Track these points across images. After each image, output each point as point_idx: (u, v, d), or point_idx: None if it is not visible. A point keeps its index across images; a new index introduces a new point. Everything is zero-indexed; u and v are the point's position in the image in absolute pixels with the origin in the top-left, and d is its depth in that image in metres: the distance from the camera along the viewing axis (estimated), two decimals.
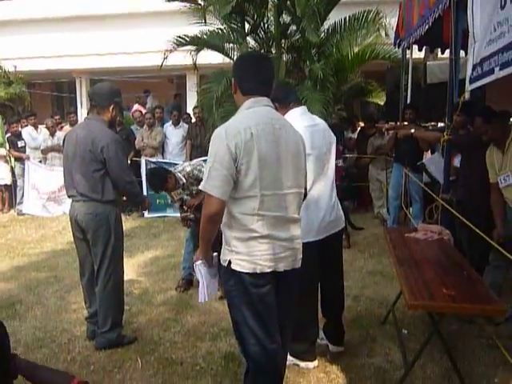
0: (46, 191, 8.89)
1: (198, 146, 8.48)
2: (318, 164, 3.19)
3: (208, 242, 2.46)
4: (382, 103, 9.08)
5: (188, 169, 4.74)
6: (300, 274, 2.56)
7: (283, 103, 3.19)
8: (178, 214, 7.95)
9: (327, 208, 3.27)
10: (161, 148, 8.71)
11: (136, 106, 12.37)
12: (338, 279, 3.63)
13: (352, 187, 8.35)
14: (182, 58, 9.02)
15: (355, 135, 8.77)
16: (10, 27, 14.24)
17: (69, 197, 3.79)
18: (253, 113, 2.39)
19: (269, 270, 2.37)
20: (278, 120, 2.43)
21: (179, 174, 4.69)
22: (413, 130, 5.25)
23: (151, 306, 4.58)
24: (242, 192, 2.31)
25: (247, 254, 2.34)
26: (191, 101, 14.11)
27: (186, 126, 8.78)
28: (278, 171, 2.35)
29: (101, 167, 3.57)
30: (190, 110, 11.41)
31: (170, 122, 8.93)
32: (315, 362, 3.45)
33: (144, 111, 10.20)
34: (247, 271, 2.35)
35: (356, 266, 5.71)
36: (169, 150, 8.73)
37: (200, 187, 2.34)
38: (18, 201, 9.18)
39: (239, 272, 2.36)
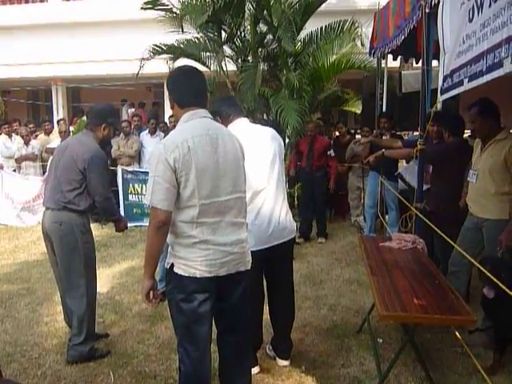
0: (21, 201, 8.72)
1: None
2: (261, 172, 3.24)
3: (155, 258, 2.48)
4: (358, 112, 9.15)
5: None
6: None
7: (224, 117, 3.29)
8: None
9: (272, 217, 3.28)
10: (137, 157, 8.64)
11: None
12: (286, 291, 3.60)
13: (329, 195, 8.39)
14: (159, 66, 9.00)
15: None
16: None
17: (44, 206, 3.76)
18: (190, 126, 2.48)
19: (209, 275, 2.44)
20: (215, 130, 2.52)
21: None
22: (383, 150, 5.32)
23: (125, 318, 4.51)
24: (182, 202, 2.41)
25: (188, 259, 2.43)
26: (169, 109, 14.08)
27: (163, 134, 8.72)
28: (217, 179, 2.45)
29: (80, 177, 3.56)
30: (167, 118, 11.37)
31: (147, 131, 8.87)
32: (256, 369, 3.45)
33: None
34: (187, 275, 2.42)
35: (333, 275, 5.72)
36: (145, 158, 8.64)
37: (145, 201, 2.41)
38: None
39: (180, 275, 2.44)
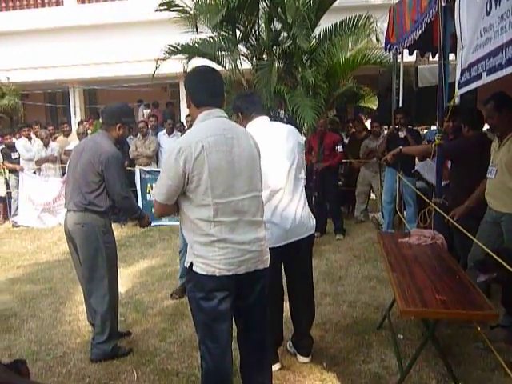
0: (41, 202, 8.86)
1: None
2: (279, 171, 3.25)
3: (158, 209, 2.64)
4: (374, 107, 9.11)
5: None
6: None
7: (245, 113, 3.33)
8: (173, 223, 8.05)
9: (289, 214, 3.29)
10: (155, 157, 8.71)
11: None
12: (306, 288, 3.61)
13: (346, 192, 8.38)
14: (175, 66, 9.05)
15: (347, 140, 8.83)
16: (2, 38, 14.27)
17: (66, 207, 3.82)
18: (205, 125, 2.51)
19: (228, 274, 2.46)
20: (230, 130, 2.52)
21: None
22: (401, 147, 5.28)
23: (147, 317, 4.57)
24: (197, 201, 2.44)
25: (206, 257, 2.45)
26: (185, 109, 14.13)
27: (180, 134, 8.78)
28: (232, 179, 2.47)
29: (98, 179, 3.62)
30: (183, 118, 11.43)
31: (164, 131, 8.94)
32: (276, 365, 3.48)
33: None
34: (206, 273, 2.45)
35: (351, 271, 5.72)
36: (163, 158, 8.72)
37: (152, 194, 2.49)
38: (12, 212, 9.15)
39: (199, 274, 2.46)
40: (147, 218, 4.09)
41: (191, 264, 2.50)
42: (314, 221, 3.49)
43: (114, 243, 3.86)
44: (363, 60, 7.66)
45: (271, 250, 2.77)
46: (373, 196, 8.72)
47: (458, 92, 3.56)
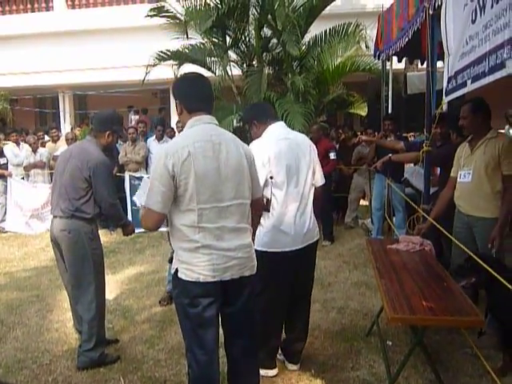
0: (29, 208, 8.79)
1: None
2: (286, 176, 3.25)
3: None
4: (364, 114, 9.16)
5: None
6: (255, 281, 2.69)
7: (260, 121, 3.36)
8: (163, 229, 8.01)
9: (307, 219, 3.31)
10: (144, 163, 8.69)
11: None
12: (307, 293, 3.64)
13: (337, 198, 8.40)
14: (165, 71, 9.05)
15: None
16: None
17: (52, 214, 3.79)
18: (193, 131, 2.53)
19: (212, 280, 2.46)
20: (218, 136, 2.53)
21: None
22: (390, 155, 5.31)
23: (135, 324, 4.53)
24: (182, 206, 2.44)
25: (191, 263, 2.45)
26: (175, 115, 14.13)
27: (170, 140, 8.77)
28: (219, 185, 2.48)
29: (86, 185, 3.60)
30: (174, 124, 11.42)
31: (154, 137, 8.92)
32: (275, 371, 3.48)
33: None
34: (191, 280, 2.45)
35: (341, 278, 5.72)
36: (152, 165, 8.68)
37: (142, 203, 2.45)
38: (0, 218, 9.06)
39: (184, 280, 2.46)
40: (131, 226, 4.07)
41: (176, 270, 2.50)
42: (317, 228, 3.51)
43: (101, 249, 3.84)
44: (353, 67, 7.71)
45: (280, 254, 2.82)
46: (363, 202, 8.75)
47: (445, 99, 3.60)
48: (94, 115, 4.22)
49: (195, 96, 2.58)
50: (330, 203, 7.69)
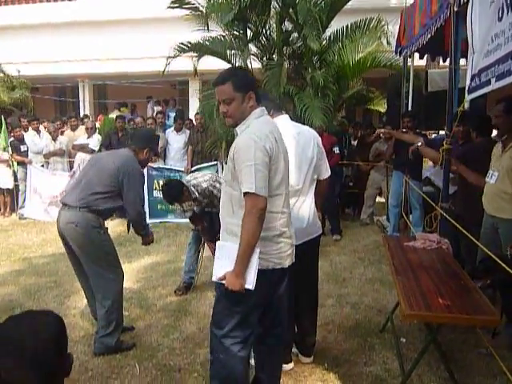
0: (48, 196, 8.91)
1: (198, 152, 8.51)
2: (299, 171, 3.28)
3: (253, 248, 2.40)
4: (383, 110, 9.11)
5: (204, 185, 4.78)
6: None
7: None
8: (179, 220, 8.09)
9: (305, 214, 3.34)
10: (162, 154, 8.74)
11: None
12: (312, 288, 3.65)
13: (353, 194, 8.39)
14: (184, 63, 9.06)
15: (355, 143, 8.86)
16: (13, 32, 14.36)
17: (61, 201, 3.85)
18: (265, 120, 2.60)
19: (279, 267, 2.54)
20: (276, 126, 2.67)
21: (192, 188, 4.75)
22: (419, 144, 5.24)
23: (150, 312, 4.59)
24: (271, 191, 2.45)
25: (264, 252, 2.48)
26: (194, 106, 14.17)
27: (188, 131, 8.81)
28: (288, 172, 2.65)
29: (113, 185, 3.68)
30: (192, 115, 11.45)
31: (173, 128, 8.97)
32: (291, 365, 3.52)
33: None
34: (260, 267, 2.45)
35: (355, 274, 5.72)
36: (170, 155, 8.75)
37: (247, 190, 2.37)
38: (19, 205, 9.20)
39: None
40: (152, 236, 4.17)
41: None
42: (319, 222, 3.53)
43: (111, 240, 3.89)
44: (373, 63, 7.65)
45: None
46: (379, 199, 8.72)
47: (468, 97, 3.57)
48: (134, 132, 4.31)
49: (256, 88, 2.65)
50: (338, 197, 7.67)
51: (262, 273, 2.46)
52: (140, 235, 4.09)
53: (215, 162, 8.15)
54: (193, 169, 8.20)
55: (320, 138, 3.54)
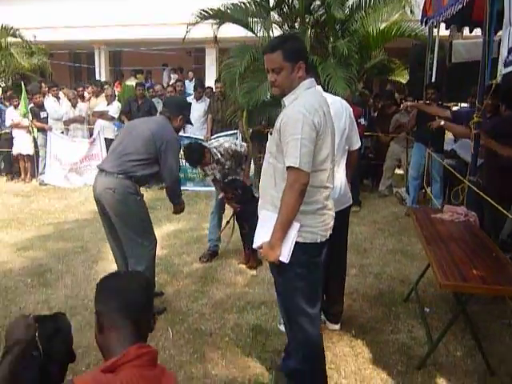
0: (68, 162, 9.00)
1: (218, 121, 8.51)
2: (339, 140, 3.27)
3: (289, 225, 2.43)
4: (404, 81, 9.01)
5: (226, 144, 4.85)
6: None
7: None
8: (198, 188, 8.15)
9: (337, 184, 3.33)
10: None
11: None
12: (340, 257, 3.73)
13: (371, 166, 8.39)
14: (202, 30, 8.96)
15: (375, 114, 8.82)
16: None
17: (99, 167, 3.89)
18: (314, 92, 2.55)
19: (324, 240, 2.56)
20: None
21: (214, 150, 4.79)
22: (442, 123, 5.20)
23: (177, 278, 4.69)
24: (315, 166, 2.42)
25: (310, 225, 2.49)
26: (210, 74, 14.10)
27: (208, 100, 8.80)
28: (333, 146, 2.58)
29: (151, 153, 3.71)
30: (208, 83, 11.39)
31: (192, 96, 8.95)
32: (338, 325, 3.66)
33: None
34: (309, 241, 2.49)
35: (376, 244, 5.77)
36: (197, 122, 8.73)
37: (291, 164, 2.34)
38: (40, 171, 9.29)
39: (301, 243, 2.47)
40: (183, 204, 4.22)
41: None
42: (349, 193, 3.55)
43: (146, 207, 3.95)
44: (397, 32, 7.53)
45: None
46: (398, 171, 8.71)
47: (504, 70, 3.53)
48: (167, 99, 4.32)
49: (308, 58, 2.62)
50: (358, 169, 7.67)
51: (314, 246, 2.51)
52: (173, 203, 4.14)
53: (235, 131, 8.14)
54: (212, 137, 8.21)
55: (351, 109, 3.54)
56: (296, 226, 2.44)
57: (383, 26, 7.59)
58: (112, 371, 1.49)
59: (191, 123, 4.32)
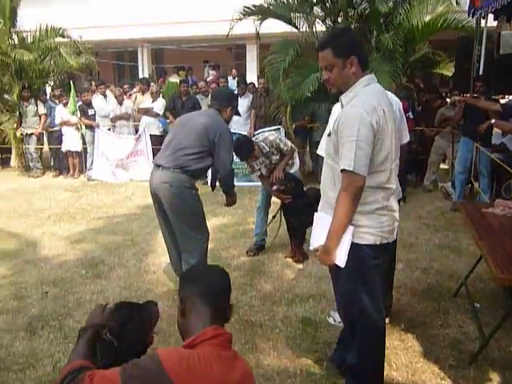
0: (115, 158, 9.23)
1: (261, 116, 8.59)
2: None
3: (346, 227, 2.40)
4: (449, 74, 8.83)
5: (271, 138, 4.93)
6: None
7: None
8: (242, 183, 8.23)
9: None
10: None
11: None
12: (393, 251, 3.69)
13: (416, 160, 8.28)
14: (242, 27, 9.01)
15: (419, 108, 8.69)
16: None
17: (155, 162, 4.00)
18: (374, 89, 2.46)
19: (386, 242, 2.49)
20: (387, 95, 2.55)
21: (262, 143, 4.87)
22: (493, 121, 5.09)
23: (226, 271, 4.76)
24: (373, 167, 2.37)
25: (370, 226, 2.44)
26: (251, 70, 14.17)
27: (251, 96, 8.87)
28: (395, 144, 2.48)
29: (205, 146, 3.79)
30: (249, 79, 11.45)
31: (235, 92, 9.03)
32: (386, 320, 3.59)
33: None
34: (368, 243, 2.45)
35: (422, 239, 5.72)
36: (234, 119, 8.79)
37: (345, 166, 2.31)
38: (88, 167, 9.58)
39: (360, 245, 2.45)
40: (235, 197, 4.32)
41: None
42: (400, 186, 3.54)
43: (200, 201, 4.05)
44: (444, 24, 7.39)
45: None
46: (443, 166, 8.59)
47: None
48: (215, 91, 4.43)
49: (366, 53, 2.51)
50: (406, 164, 7.59)
51: (374, 248, 2.45)
52: (226, 194, 4.26)
53: (279, 127, 8.19)
54: (256, 132, 8.28)
55: (401, 104, 3.52)
56: (350, 229, 2.41)
57: (428, 18, 7.45)
58: (191, 348, 1.61)
59: (239, 114, 4.39)
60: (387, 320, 3.68)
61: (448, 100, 8.36)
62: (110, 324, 1.88)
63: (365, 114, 2.29)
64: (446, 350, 3.36)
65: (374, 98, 2.39)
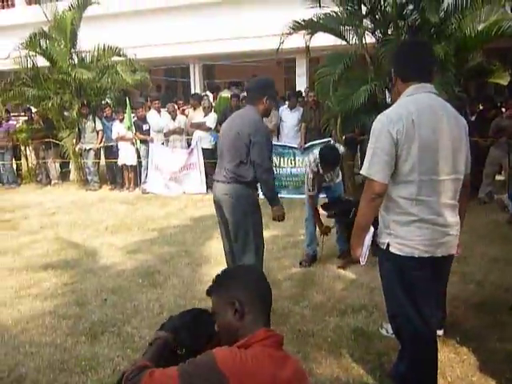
0: (168, 171, 9.52)
1: (312, 129, 8.65)
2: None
3: (364, 230, 2.50)
4: (505, 84, 8.62)
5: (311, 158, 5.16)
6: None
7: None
8: (292, 196, 8.28)
9: None
10: (276, 130, 8.97)
11: None
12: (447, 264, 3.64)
13: (470, 171, 8.11)
14: (292, 41, 9.11)
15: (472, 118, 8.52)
16: (128, 17, 15.18)
17: (214, 178, 4.08)
18: (413, 99, 2.45)
19: (426, 255, 2.46)
20: (440, 106, 2.48)
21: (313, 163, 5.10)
22: None
23: (277, 281, 4.83)
24: (401, 176, 2.41)
25: (406, 238, 2.45)
26: (301, 84, 14.25)
27: (302, 109, 8.96)
28: (437, 157, 2.41)
29: (246, 150, 3.76)
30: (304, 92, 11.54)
31: (286, 105, 9.16)
32: (441, 331, 3.56)
33: None
34: (405, 255, 2.45)
35: (477, 252, 5.60)
36: (284, 132, 8.97)
37: (362, 172, 2.44)
38: (142, 180, 9.91)
39: (398, 255, 2.47)
40: (283, 210, 4.06)
41: (387, 244, 2.51)
42: None
43: (260, 212, 4.02)
44: (498, 32, 7.23)
45: None
46: (498, 177, 8.37)
47: None
48: (247, 85, 4.40)
49: (412, 65, 2.53)
50: None
51: (412, 260, 2.45)
52: (269, 201, 4.01)
53: (329, 139, 8.22)
54: (306, 145, 8.35)
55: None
56: (371, 230, 2.51)
57: (481, 26, 7.34)
58: (245, 348, 1.67)
59: (277, 102, 4.25)
60: (441, 332, 3.66)
61: (503, 110, 8.16)
62: (182, 334, 1.94)
63: (386, 122, 2.38)
64: (502, 364, 3.29)
65: (405, 107, 2.42)
